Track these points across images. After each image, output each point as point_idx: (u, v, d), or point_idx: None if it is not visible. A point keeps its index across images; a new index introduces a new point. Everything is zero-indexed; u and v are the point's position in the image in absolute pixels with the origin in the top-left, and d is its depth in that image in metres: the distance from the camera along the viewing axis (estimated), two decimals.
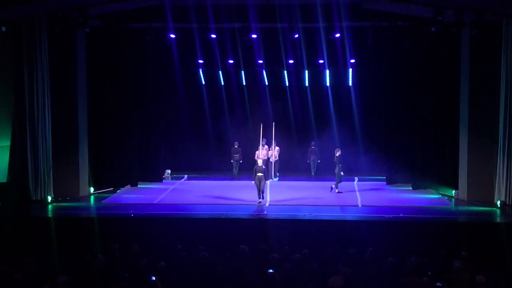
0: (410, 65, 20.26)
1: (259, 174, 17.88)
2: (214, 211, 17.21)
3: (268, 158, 22.32)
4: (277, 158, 22.69)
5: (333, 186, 19.89)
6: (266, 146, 22.46)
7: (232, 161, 23.43)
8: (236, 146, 23.41)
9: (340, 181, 19.84)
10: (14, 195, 18.03)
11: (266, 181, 18.16)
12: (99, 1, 17.88)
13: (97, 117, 20.38)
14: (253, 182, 18.04)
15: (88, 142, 19.91)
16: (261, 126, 22.01)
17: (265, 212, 17.04)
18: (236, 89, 23.91)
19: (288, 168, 23.73)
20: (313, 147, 23.25)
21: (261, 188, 17.94)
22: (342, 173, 19.66)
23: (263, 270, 11.40)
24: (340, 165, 19.66)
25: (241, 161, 23.36)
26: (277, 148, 22.66)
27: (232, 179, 23.01)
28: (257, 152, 22.28)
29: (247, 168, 23.35)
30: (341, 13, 18.16)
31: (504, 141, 17.77)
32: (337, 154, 19.82)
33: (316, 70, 22.90)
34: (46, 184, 18.46)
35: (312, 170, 23.33)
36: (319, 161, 23.32)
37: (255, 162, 21.87)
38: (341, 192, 19.71)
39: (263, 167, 18.18)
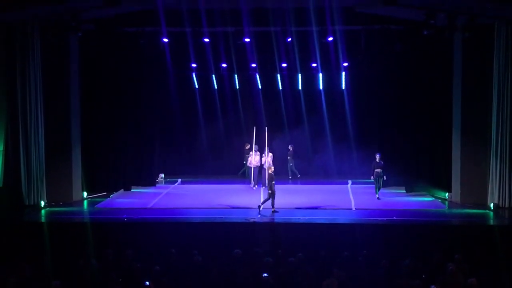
0: (403, 69, 20.34)
1: (273, 181, 17.35)
2: (208, 215, 17.16)
3: (262, 165, 22.10)
4: (271, 164, 22.51)
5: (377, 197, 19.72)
6: (258, 153, 22.32)
7: (245, 162, 22.95)
8: (247, 148, 22.94)
9: (380, 187, 19.69)
10: (7, 200, 17.94)
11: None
12: (92, 5, 17.85)
13: (91, 122, 20.35)
14: (267, 188, 17.35)
15: (81, 146, 19.87)
16: (254, 130, 21.97)
17: (259, 216, 17.02)
18: (229, 93, 23.86)
19: (281, 172, 23.70)
20: (290, 150, 23.27)
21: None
22: (384, 177, 19.47)
23: (257, 274, 11.40)
24: (378, 170, 19.39)
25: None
26: (270, 154, 22.33)
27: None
28: (249, 158, 22.17)
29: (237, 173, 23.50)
30: (334, 17, 18.17)
31: (497, 143, 17.84)
32: (377, 160, 19.58)
33: (309, 74, 22.88)
34: (39, 189, 18.42)
35: (291, 173, 23.43)
36: (291, 164, 23.36)
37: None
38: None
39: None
